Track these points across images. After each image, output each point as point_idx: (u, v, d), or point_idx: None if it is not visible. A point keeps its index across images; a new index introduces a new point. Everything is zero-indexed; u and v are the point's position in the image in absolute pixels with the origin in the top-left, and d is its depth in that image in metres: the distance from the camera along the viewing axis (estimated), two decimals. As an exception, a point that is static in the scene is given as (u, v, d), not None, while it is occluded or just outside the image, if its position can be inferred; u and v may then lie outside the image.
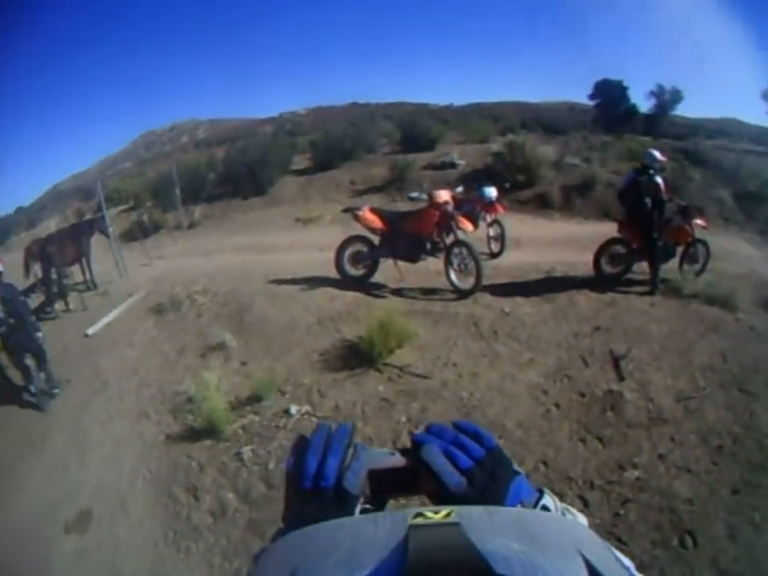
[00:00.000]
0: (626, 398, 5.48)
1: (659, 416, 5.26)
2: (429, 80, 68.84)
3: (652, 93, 25.10)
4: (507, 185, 12.16)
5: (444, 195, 8.34)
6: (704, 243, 8.36)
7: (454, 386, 5.87)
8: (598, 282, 8.19)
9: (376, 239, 8.62)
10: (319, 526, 0.59)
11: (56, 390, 6.94)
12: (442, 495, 0.70)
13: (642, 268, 8.26)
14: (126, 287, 10.31)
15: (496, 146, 17.21)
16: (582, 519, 0.74)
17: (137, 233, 15.31)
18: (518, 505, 0.71)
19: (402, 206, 11.98)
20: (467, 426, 0.79)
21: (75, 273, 11.00)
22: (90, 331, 8.46)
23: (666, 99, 24.89)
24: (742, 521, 4.13)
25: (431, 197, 8.41)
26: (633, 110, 25.68)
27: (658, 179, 8.05)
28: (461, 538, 0.47)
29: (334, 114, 31.30)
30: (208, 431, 5.56)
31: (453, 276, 8.04)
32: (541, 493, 0.74)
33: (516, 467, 0.76)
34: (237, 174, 18.36)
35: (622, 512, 4.30)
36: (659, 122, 24.07)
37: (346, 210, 9.01)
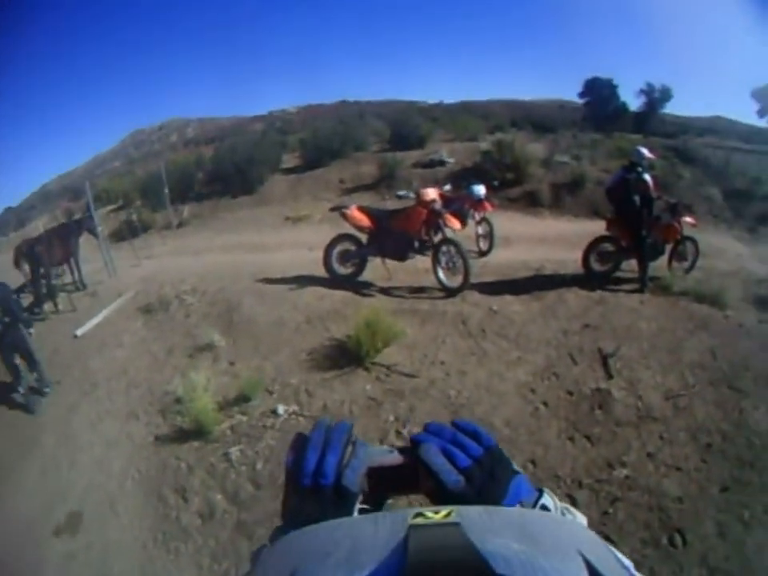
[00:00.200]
0: (615, 396, 5.48)
1: (648, 414, 5.25)
2: (419, 78, 68.89)
3: (642, 91, 25.21)
4: (496, 183, 12.17)
5: (431, 193, 8.30)
6: (693, 241, 8.38)
7: (441, 385, 5.85)
8: (587, 279, 8.18)
9: (364, 238, 8.58)
10: (319, 525, 0.58)
11: (47, 390, 6.93)
12: (441, 494, 0.69)
13: (631, 266, 8.27)
14: (115, 287, 10.24)
15: (485, 144, 17.23)
16: (582, 519, 0.74)
17: (126, 232, 15.21)
18: (517, 504, 0.71)
19: (391, 204, 11.95)
20: (466, 424, 0.78)
21: (65, 273, 10.91)
22: (79, 332, 8.39)
23: (656, 97, 24.99)
24: (731, 518, 4.13)
25: (419, 195, 8.37)
26: (622, 108, 25.76)
27: (647, 177, 8.04)
28: (461, 537, 0.47)
29: (323, 112, 31.25)
30: (196, 432, 5.55)
31: (441, 274, 8.02)
32: (540, 492, 0.73)
33: (515, 466, 0.75)
34: (226, 172, 18.25)
35: (610, 511, 4.29)
36: (649, 120, 24.16)
37: (333, 209, 8.97)
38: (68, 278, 10.93)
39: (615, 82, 26.21)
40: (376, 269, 8.74)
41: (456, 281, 7.90)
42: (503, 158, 15.34)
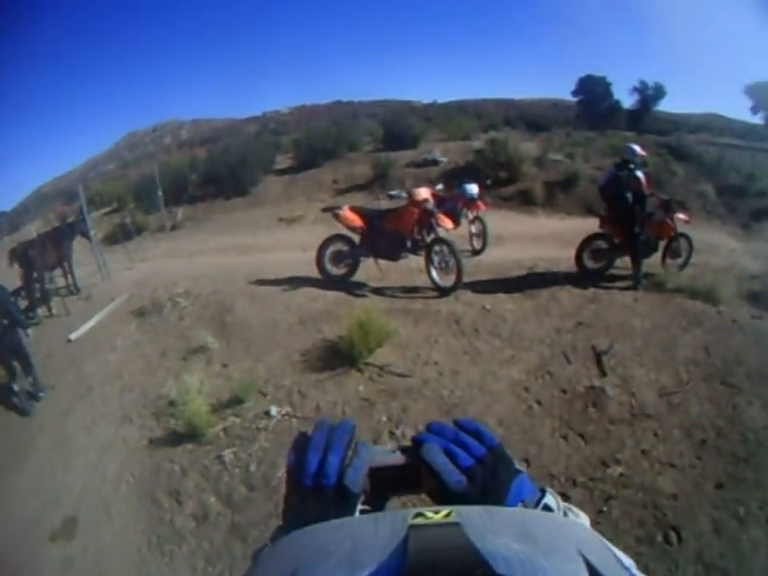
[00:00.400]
0: (609, 394, 5.47)
1: (642, 411, 5.25)
2: (413, 78, 68.89)
3: (635, 89, 25.26)
4: (488, 181, 12.16)
5: (423, 193, 8.30)
6: (686, 237, 8.39)
7: (434, 385, 5.82)
8: (581, 277, 8.18)
9: (357, 238, 8.56)
10: (319, 525, 0.59)
11: (41, 395, 6.90)
12: (443, 494, 0.70)
13: (624, 263, 8.26)
14: (108, 291, 10.19)
15: (478, 143, 17.24)
16: (584, 519, 0.74)
17: (119, 235, 15.16)
18: (520, 504, 0.71)
19: (385, 205, 11.91)
20: (468, 423, 0.78)
21: (58, 277, 10.86)
22: (73, 336, 8.35)
23: (649, 95, 25.08)
24: (726, 515, 4.12)
25: (411, 195, 8.37)
26: (616, 106, 25.85)
27: (639, 174, 8.06)
28: (461, 538, 0.47)
29: (317, 113, 31.22)
30: (190, 435, 5.53)
31: (434, 274, 8.00)
32: (543, 492, 0.74)
33: (518, 466, 0.76)
34: (219, 174, 18.17)
35: (605, 509, 4.27)
36: (642, 117, 24.23)
37: (326, 210, 8.98)
38: (61, 282, 10.87)
39: (609, 79, 26.30)
40: (369, 269, 8.72)
41: (449, 280, 7.88)
42: (496, 156, 15.35)
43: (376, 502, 0.77)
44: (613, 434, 5.01)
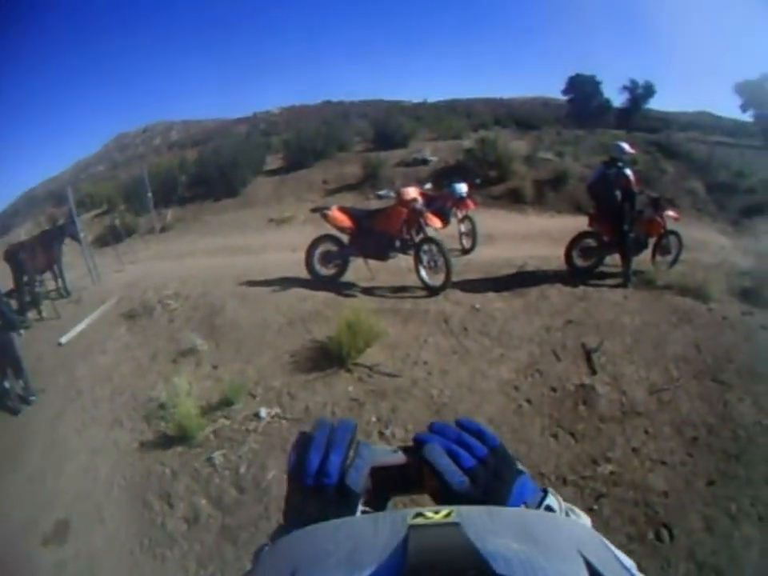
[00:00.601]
0: (599, 392, 5.45)
1: (632, 409, 5.23)
2: (403, 78, 68.76)
3: (625, 87, 25.38)
4: (478, 180, 12.17)
5: (412, 192, 8.28)
6: (676, 234, 8.41)
7: (424, 384, 5.80)
8: (570, 275, 8.19)
9: (345, 238, 8.54)
10: (319, 526, 0.58)
11: (33, 399, 6.86)
12: (445, 494, 0.69)
13: (614, 260, 8.27)
14: (98, 294, 10.13)
15: (468, 142, 17.27)
16: (586, 519, 0.74)
17: (110, 237, 15.21)
18: (522, 504, 0.71)
19: (375, 204, 11.93)
20: (470, 424, 0.78)
21: (48, 280, 10.79)
22: (64, 340, 8.29)
23: (639, 93, 25.22)
24: (718, 512, 4.11)
25: (399, 194, 8.37)
26: (606, 105, 25.96)
27: (628, 171, 8.06)
28: (461, 538, 0.47)
29: (307, 113, 31.22)
30: (180, 437, 5.50)
31: (423, 273, 7.98)
32: (545, 492, 0.73)
33: (520, 466, 0.76)
34: (209, 175, 18.15)
35: (596, 507, 4.25)
36: (632, 115, 24.37)
37: (314, 210, 8.92)
38: (51, 285, 10.80)
39: (598, 78, 26.39)
40: (359, 269, 8.71)
41: (438, 279, 7.87)
42: (486, 155, 15.43)
43: (377, 502, 0.76)
44: (603, 431, 4.99)
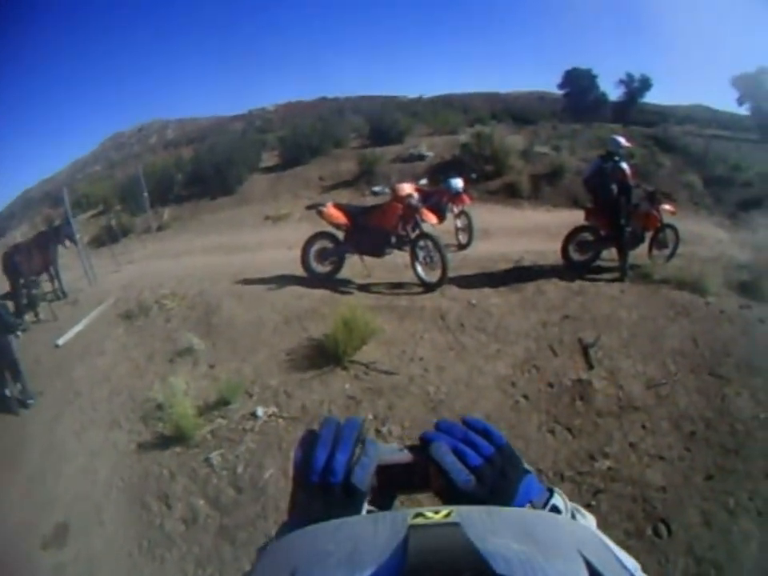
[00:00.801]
0: (596, 387, 5.45)
1: (630, 404, 5.24)
2: (399, 73, 68.56)
3: (621, 81, 25.30)
4: (474, 175, 12.13)
5: (407, 188, 8.28)
6: (673, 228, 8.40)
7: (420, 381, 5.79)
8: (567, 270, 8.18)
9: (341, 235, 8.53)
10: (320, 525, 0.58)
11: (31, 402, 6.84)
12: (451, 493, 0.69)
13: (611, 255, 8.26)
14: (95, 295, 10.11)
15: (464, 137, 17.21)
16: (592, 519, 0.75)
17: (106, 238, 15.15)
18: (528, 504, 0.71)
19: (371, 201, 11.89)
20: (477, 423, 0.78)
21: (45, 282, 10.78)
22: (61, 341, 8.26)
23: (635, 87, 25.12)
24: (716, 507, 4.12)
25: (394, 190, 8.36)
26: (602, 99, 25.85)
27: (624, 165, 8.05)
28: (461, 538, 0.47)
29: (303, 110, 31.11)
30: (177, 438, 5.49)
31: (419, 269, 7.97)
32: (551, 492, 0.74)
33: (526, 466, 0.76)
34: (205, 173, 18.08)
35: (593, 503, 4.26)
36: (629, 109, 24.28)
37: (310, 207, 8.90)
38: (48, 287, 10.78)
39: (595, 72, 26.30)
40: (355, 266, 8.69)
41: (434, 275, 7.86)
42: (482, 150, 15.39)
43: (383, 501, 0.77)
44: (600, 427, 4.99)
